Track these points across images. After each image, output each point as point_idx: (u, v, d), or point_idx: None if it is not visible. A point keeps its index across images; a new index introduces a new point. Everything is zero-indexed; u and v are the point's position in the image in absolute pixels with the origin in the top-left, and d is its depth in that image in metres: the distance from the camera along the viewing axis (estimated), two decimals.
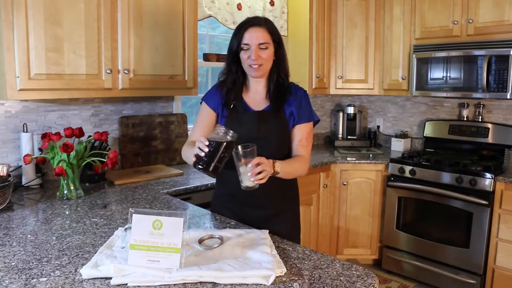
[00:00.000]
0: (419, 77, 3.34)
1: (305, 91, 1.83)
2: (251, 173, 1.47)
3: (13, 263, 1.30)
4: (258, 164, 1.47)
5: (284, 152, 1.77)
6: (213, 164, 1.45)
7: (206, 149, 1.43)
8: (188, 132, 3.05)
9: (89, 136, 2.21)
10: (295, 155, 1.78)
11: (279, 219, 1.80)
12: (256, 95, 1.79)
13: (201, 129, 1.81)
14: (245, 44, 1.68)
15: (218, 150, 1.44)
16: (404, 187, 3.23)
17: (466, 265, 2.94)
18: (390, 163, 3.31)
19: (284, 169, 1.64)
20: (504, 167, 3.07)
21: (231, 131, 1.47)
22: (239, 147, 1.48)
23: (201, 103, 1.86)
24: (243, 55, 1.70)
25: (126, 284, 1.15)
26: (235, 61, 1.75)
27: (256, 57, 1.67)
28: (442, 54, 3.19)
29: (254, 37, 1.67)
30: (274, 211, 1.79)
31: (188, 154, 1.67)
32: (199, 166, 1.46)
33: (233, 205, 1.80)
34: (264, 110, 1.76)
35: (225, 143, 1.44)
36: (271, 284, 1.16)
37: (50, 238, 1.52)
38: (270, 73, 1.77)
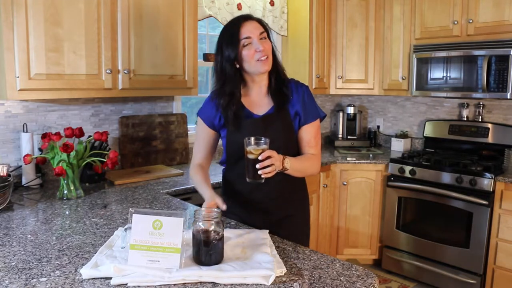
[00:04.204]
0: (419, 77, 3.34)
1: (307, 86, 1.75)
2: (260, 165, 1.44)
3: (13, 263, 1.30)
4: (268, 157, 1.45)
5: (292, 153, 1.70)
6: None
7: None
8: (188, 132, 3.05)
9: (89, 136, 2.21)
10: (306, 154, 1.73)
11: (287, 224, 1.74)
12: (256, 98, 1.71)
13: (204, 148, 1.79)
14: (246, 38, 1.59)
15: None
16: (404, 187, 3.23)
17: (466, 265, 2.94)
18: (390, 163, 3.31)
19: (294, 166, 1.60)
20: (504, 167, 3.07)
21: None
22: (252, 138, 1.48)
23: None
24: (247, 52, 1.59)
25: (126, 284, 1.15)
26: (233, 68, 1.63)
27: (263, 47, 1.58)
28: (442, 54, 3.19)
29: (252, 28, 1.60)
30: (282, 216, 1.74)
31: (194, 182, 1.74)
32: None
33: (240, 211, 1.75)
34: (268, 113, 1.69)
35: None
36: (271, 284, 1.16)
37: (50, 238, 1.52)
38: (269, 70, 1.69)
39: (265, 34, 1.63)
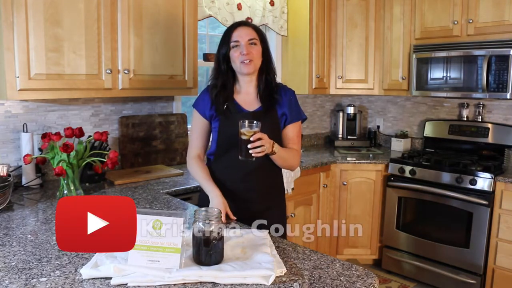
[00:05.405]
0: (419, 77, 3.34)
1: (294, 91, 1.93)
2: (251, 145, 1.60)
3: (13, 263, 1.30)
4: (259, 139, 1.60)
5: None
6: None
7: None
8: (188, 132, 3.05)
9: (89, 136, 2.21)
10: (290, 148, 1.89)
11: (268, 214, 1.85)
12: (247, 96, 1.86)
13: (200, 138, 1.92)
14: (235, 41, 1.77)
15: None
16: (404, 187, 3.23)
17: (466, 265, 2.94)
18: (390, 163, 3.31)
19: (280, 152, 1.76)
20: (504, 167, 3.07)
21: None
22: (246, 121, 1.61)
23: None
24: (234, 53, 1.77)
25: (126, 284, 1.15)
26: (225, 65, 1.81)
27: (247, 51, 1.75)
28: (442, 54, 3.19)
29: (243, 33, 1.77)
30: (263, 207, 1.87)
31: (196, 176, 1.86)
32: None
33: (226, 199, 1.82)
34: (257, 110, 1.83)
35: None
36: (271, 284, 1.16)
37: (50, 238, 1.52)
38: (259, 73, 1.84)
39: (255, 41, 1.79)
